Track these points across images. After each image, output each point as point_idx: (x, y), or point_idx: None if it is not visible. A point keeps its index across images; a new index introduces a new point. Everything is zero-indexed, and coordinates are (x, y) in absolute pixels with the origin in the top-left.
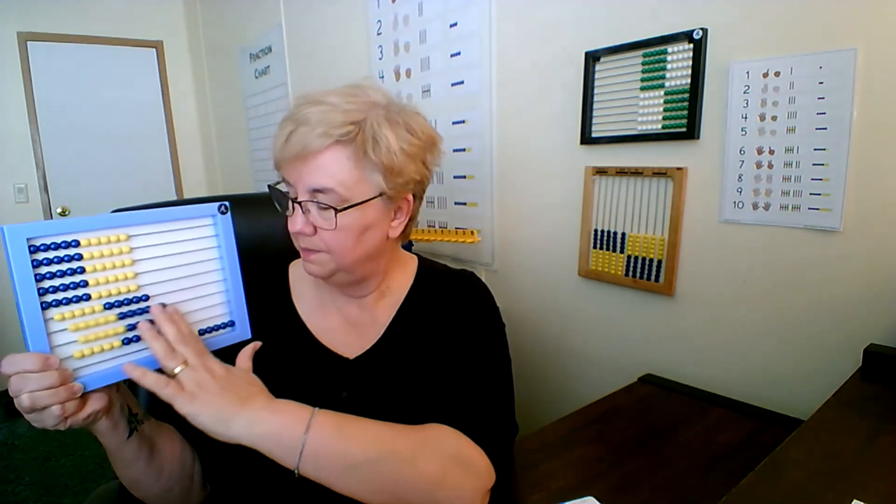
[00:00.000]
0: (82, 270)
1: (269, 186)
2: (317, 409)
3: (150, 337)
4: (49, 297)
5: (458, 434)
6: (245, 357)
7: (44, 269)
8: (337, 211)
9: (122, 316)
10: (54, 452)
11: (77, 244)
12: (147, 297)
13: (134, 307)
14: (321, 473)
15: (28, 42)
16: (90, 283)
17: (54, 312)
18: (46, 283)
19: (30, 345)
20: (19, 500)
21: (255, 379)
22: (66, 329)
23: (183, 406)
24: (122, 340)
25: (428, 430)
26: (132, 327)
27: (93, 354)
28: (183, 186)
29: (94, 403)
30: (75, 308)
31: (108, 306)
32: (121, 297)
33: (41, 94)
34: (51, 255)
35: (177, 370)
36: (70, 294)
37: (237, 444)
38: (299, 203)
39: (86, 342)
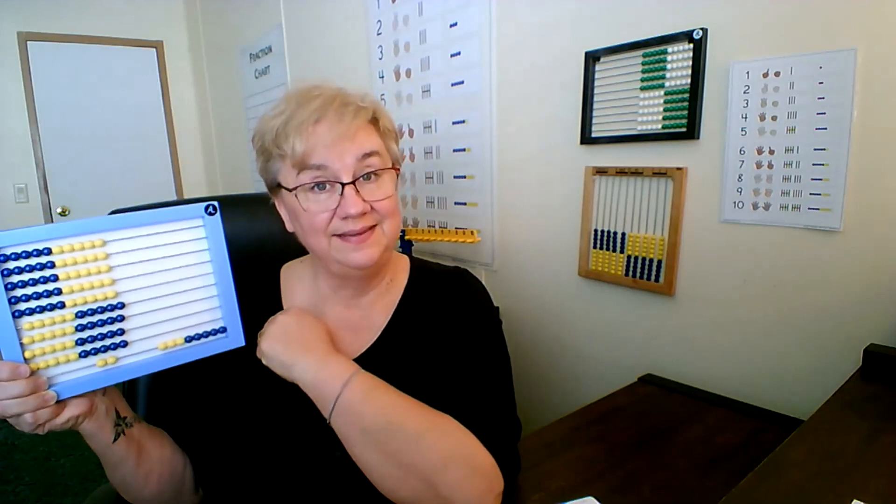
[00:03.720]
0: (55, 278)
1: (289, 190)
2: (359, 370)
3: None
4: (22, 306)
5: (468, 433)
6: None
7: (15, 278)
8: (397, 170)
9: (92, 325)
10: (54, 452)
11: (49, 252)
12: (123, 305)
13: (107, 315)
14: (343, 431)
15: (28, 42)
16: (64, 290)
17: (27, 321)
18: (18, 292)
19: (2, 353)
20: (19, 500)
21: (319, 329)
22: (40, 337)
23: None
24: (86, 351)
25: (440, 416)
26: (111, 334)
27: (68, 362)
28: (183, 186)
29: (73, 409)
30: (48, 317)
31: (81, 314)
32: (95, 305)
33: (41, 94)
34: (22, 263)
35: None
36: (43, 302)
37: (230, 450)
38: (352, 182)
39: (61, 349)
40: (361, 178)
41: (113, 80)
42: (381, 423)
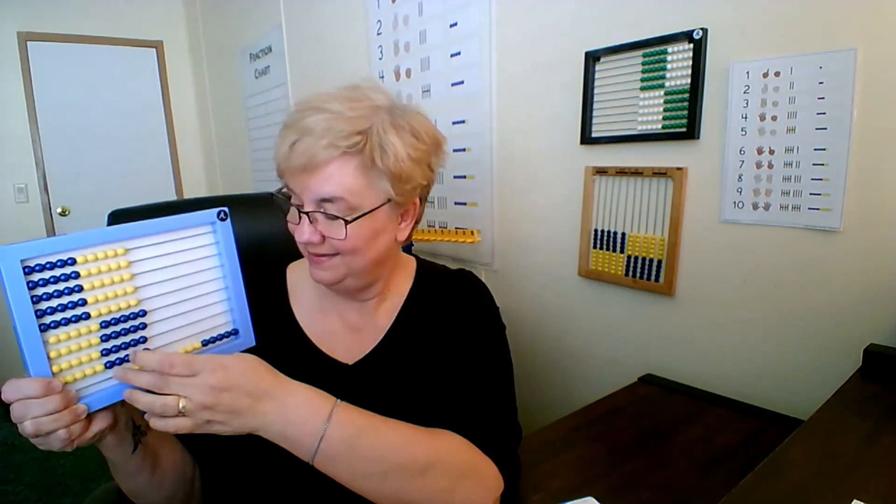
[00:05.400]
0: (80, 289)
1: (272, 194)
2: (331, 415)
3: (137, 397)
4: (48, 319)
5: (470, 445)
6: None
7: (40, 291)
8: (347, 222)
9: (117, 334)
10: (54, 452)
11: (73, 262)
12: (144, 313)
13: (130, 324)
14: (332, 474)
15: (28, 42)
16: (89, 301)
17: (54, 334)
18: (44, 305)
19: (30, 369)
20: (19, 500)
21: (255, 376)
22: (66, 350)
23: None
24: (111, 361)
25: (442, 440)
26: (134, 343)
27: (94, 374)
28: (183, 186)
29: (100, 422)
30: (73, 328)
31: (105, 324)
32: (119, 314)
33: (41, 94)
34: (46, 275)
35: (181, 406)
36: (69, 314)
37: (234, 450)
38: (307, 213)
39: (87, 361)
40: (321, 213)
41: (113, 80)
42: (377, 469)
